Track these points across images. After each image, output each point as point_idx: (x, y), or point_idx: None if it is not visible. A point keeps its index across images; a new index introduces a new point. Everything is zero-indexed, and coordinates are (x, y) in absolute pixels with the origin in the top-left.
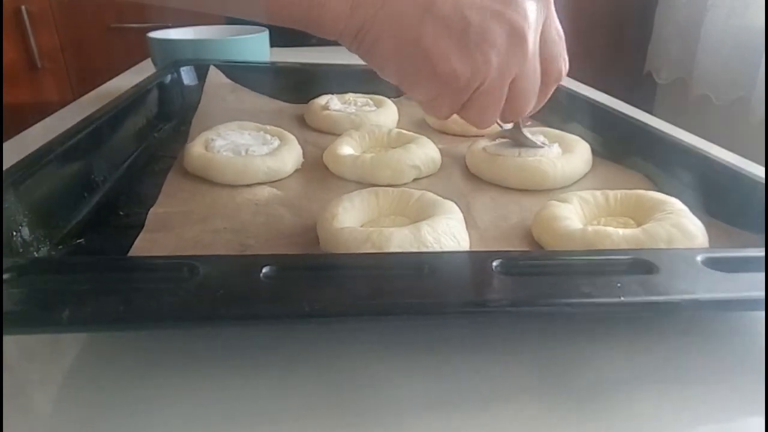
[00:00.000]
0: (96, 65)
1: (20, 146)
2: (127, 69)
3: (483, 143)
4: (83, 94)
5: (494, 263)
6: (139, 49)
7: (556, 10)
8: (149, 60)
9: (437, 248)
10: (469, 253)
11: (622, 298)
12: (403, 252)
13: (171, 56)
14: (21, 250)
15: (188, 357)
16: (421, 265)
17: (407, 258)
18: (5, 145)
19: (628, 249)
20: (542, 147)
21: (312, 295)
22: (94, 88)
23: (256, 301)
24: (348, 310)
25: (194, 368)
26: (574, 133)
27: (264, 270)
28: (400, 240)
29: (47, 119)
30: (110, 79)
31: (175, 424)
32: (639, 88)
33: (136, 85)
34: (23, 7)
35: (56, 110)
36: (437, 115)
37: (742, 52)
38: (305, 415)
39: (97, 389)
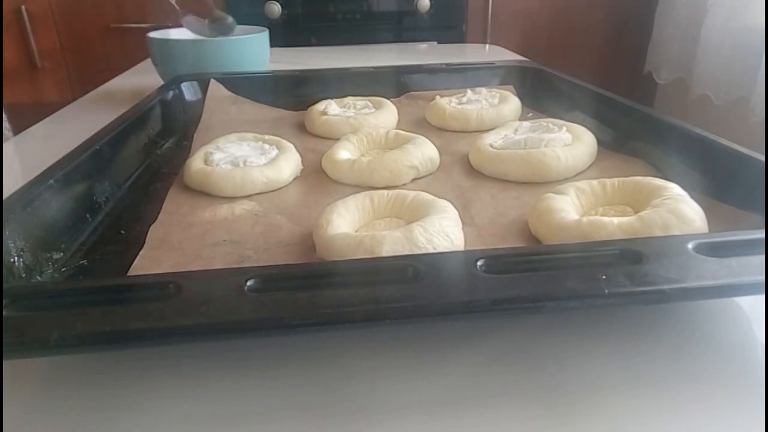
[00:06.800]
0: (96, 65)
1: (20, 146)
2: (127, 69)
3: (487, 139)
4: (83, 94)
5: (479, 263)
6: (139, 49)
7: (561, 10)
8: (149, 60)
9: (430, 249)
10: (453, 253)
11: (606, 291)
12: (387, 257)
13: (171, 56)
14: (23, 275)
15: (177, 359)
16: (405, 269)
17: (391, 262)
18: (5, 145)
19: (616, 240)
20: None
21: (295, 305)
22: (94, 88)
23: (242, 315)
24: (330, 319)
25: (184, 369)
26: (577, 123)
27: (248, 283)
28: (392, 243)
29: (47, 119)
30: (110, 79)
31: (166, 425)
32: (639, 88)
33: (137, 104)
34: (23, 7)
35: (56, 110)
36: None
37: (742, 52)
38: (296, 415)
39: (94, 393)
